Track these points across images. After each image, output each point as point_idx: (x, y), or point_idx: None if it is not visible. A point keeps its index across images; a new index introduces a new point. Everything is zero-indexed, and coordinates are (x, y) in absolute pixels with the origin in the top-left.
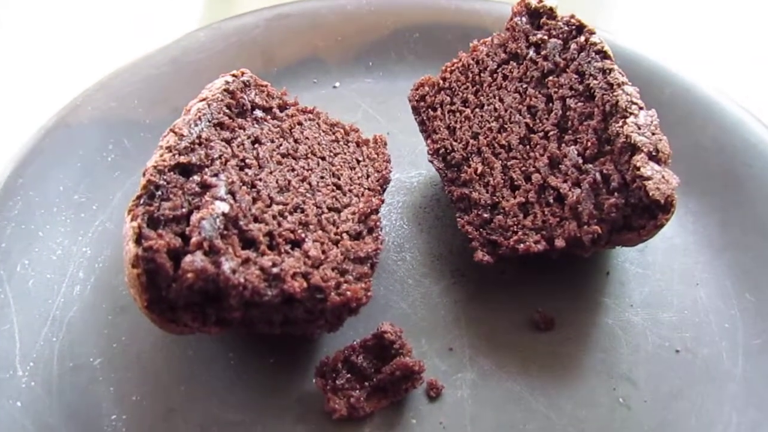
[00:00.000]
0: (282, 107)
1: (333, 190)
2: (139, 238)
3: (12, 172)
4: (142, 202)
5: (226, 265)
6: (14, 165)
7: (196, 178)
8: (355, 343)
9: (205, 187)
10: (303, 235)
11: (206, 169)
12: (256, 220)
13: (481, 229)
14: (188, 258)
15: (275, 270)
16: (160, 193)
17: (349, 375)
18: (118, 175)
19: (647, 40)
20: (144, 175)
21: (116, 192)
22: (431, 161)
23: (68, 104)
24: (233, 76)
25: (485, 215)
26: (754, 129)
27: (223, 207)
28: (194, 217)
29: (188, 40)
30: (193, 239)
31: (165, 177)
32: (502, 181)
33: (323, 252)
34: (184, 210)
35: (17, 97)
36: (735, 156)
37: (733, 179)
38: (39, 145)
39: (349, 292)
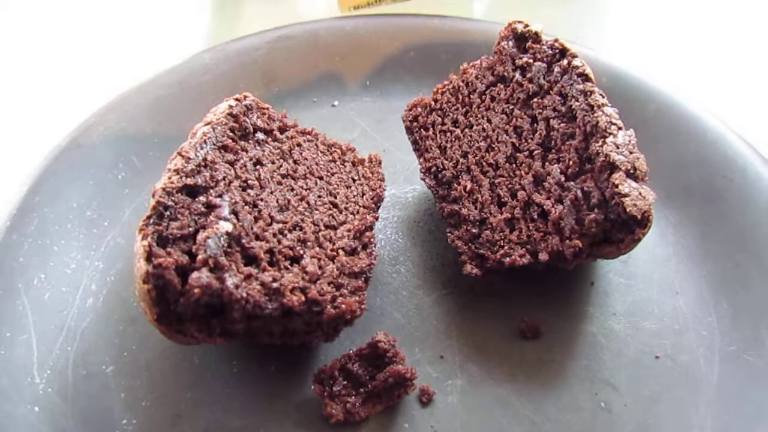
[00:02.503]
0: (282, 129)
1: (330, 208)
2: (149, 256)
3: (28, 191)
4: (151, 221)
5: (230, 281)
6: (30, 183)
7: (202, 198)
8: (351, 351)
9: (210, 207)
10: (301, 252)
11: (211, 190)
12: (257, 238)
13: (470, 244)
14: (195, 274)
15: (275, 285)
16: (168, 213)
17: (345, 382)
18: (128, 192)
19: (632, 57)
20: (153, 196)
21: (126, 209)
22: (423, 179)
23: (80, 125)
24: (236, 99)
25: (474, 230)
26: (734, 143)
27: (226, 226)
28: (200, 236)
29: (194, 62)
30: (199, 257)
31: (173, 198)
32: (490, 198)
33: (320, 267)
34: (190, 229)
35: (31, 118)
36: (715, 170)
37: (713, 192)
38: (53, 165)
39: (344, 305)
